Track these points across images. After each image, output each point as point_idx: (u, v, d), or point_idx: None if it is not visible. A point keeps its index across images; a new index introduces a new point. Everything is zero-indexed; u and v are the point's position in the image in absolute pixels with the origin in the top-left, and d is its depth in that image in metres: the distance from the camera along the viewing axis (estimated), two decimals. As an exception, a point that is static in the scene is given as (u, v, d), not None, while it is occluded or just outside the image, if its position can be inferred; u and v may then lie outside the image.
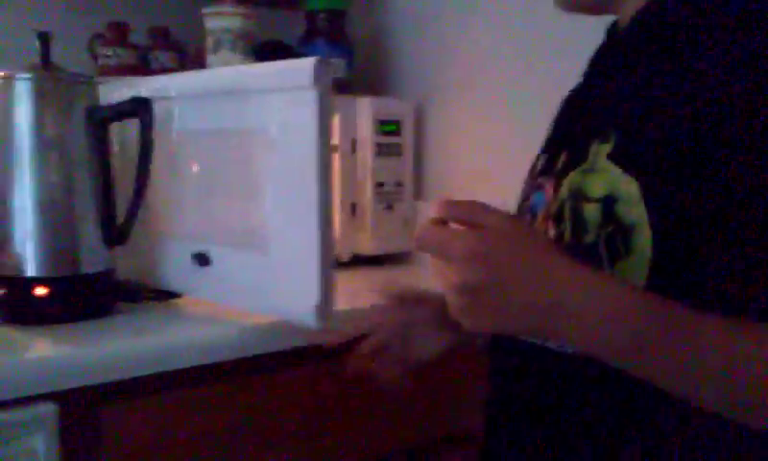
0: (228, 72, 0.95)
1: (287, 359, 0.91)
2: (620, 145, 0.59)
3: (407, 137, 1.38)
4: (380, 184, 1.36)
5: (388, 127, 1.35)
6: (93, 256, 0.92)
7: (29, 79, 0.89)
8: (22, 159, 0.88)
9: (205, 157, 0.95)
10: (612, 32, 0.74)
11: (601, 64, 0.72)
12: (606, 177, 0.59)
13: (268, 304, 0.87)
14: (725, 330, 0.51)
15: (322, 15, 1.38)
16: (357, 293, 1.06)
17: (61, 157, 0.90)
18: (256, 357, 0.89)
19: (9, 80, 0.89)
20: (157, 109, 0.92)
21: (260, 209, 0.87)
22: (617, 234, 0.57)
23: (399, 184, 1.38)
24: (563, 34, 1.11)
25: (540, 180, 0.70)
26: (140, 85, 1.00)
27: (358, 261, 1.32)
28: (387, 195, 1.36)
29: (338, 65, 1.38)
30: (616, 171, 0.58)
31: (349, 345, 0.87)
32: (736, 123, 0.53)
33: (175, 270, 0.98)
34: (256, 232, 0.87)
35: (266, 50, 1.38)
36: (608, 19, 0.73)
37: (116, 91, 0.97)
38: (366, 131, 1.32)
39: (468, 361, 0.88)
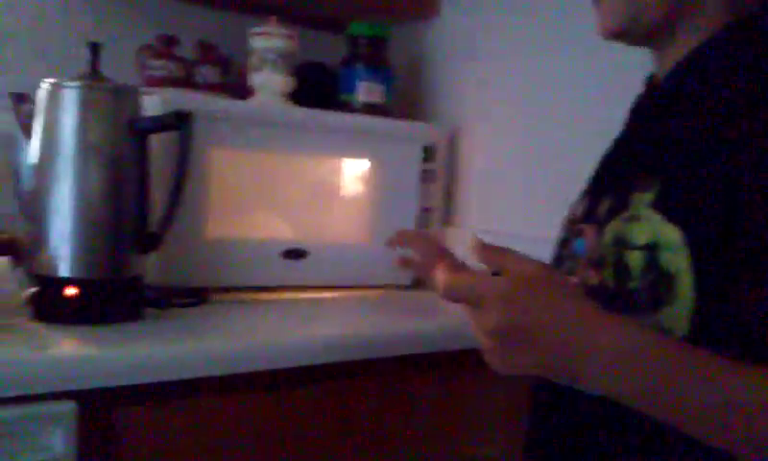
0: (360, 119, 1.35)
1: (304, 376, 0.93)
2: (662, 194, 0.61)
3: (439, 163, 1.39)
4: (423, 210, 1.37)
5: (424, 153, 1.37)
6: (126, 262, 0.95)
7: (75, 87, 0.93)
8: (64, 164, 0.92)
9: (316, 175, 1.27)
10: (651, 82, 0.75)
11: (642, 114, 0.74)
12: (648, 225, 0.60)
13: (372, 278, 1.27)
14: (746, 378, 0.51)
15: (363, 41, 1.41)
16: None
17: (102, 163, 0.93)
18: (275, 371, 0.90)
19: (56, 87, 0.93)
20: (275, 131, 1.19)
21: (367, 212, 1.29)
22: (660, 282, 0.59)
23: (428, 210, 1.38)
24: (597, 71, 1.12)
25: (580, 226, 0.71)
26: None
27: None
28: (416, 220, 1.37)
29: (378, 90, 1.40)
30: (658, 219, 0.60)
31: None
32: None
33: (268, 266, 1.19)
34: (361, 228, 1.28)
35: (308, 71, 1.42)
36: (644, 67, 0.74)
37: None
38: (406, 155, 1.34)
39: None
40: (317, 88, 1.42)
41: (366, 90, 1.39)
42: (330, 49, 1.53)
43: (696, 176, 0.59)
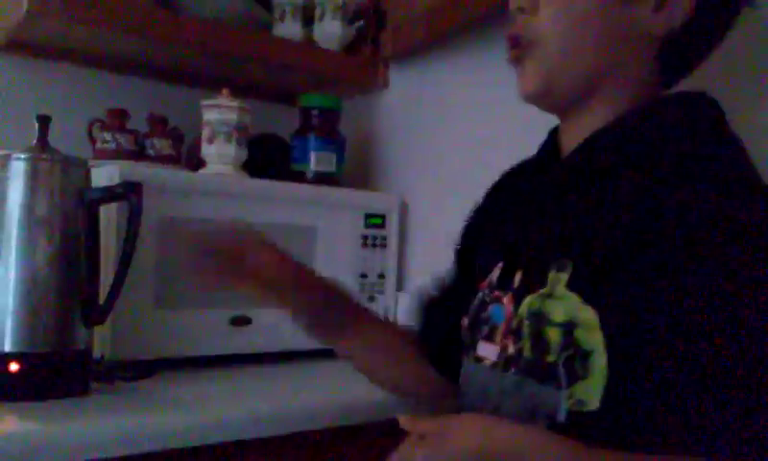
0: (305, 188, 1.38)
1: (255, 449, 0.91)
2: (577, 275, 0.64)
3: (392, 230, 1.42)
4: (364, 275, 1.38)
5: (374, 220, 1.39)
6: (73, 335, 0.93)
7: (24, 159, 0.93)
8: (10, 236, 0.91)
9: None
10: (552, 150, 0.78)
11: (553, 186, 0.75)
12: (565, 304, 0.63)
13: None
14: None
15: (315, 112, 1.44)
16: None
17: (50, 235, 0.92)
18: (226, 444, 0.89)
19: (5, 159, 0.93)
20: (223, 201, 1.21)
21: None
22: (576, 358, 0.62)
23: (382, 276, 1.40)
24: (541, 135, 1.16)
25: (498, 293, 0.74)
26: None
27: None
28: (370, 286, 1.39)
29: (330, 160, 1.43)
30: (575, 299, 0.63)
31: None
32: (673, 249, 0.58)
33: (216, 335, 1.20)
34: None
35: (261, 142, 1.44)
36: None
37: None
38: (352, 223, 1.36)
39: None
40: (270, 159, 1.44)
41: (318, 160, 1.42)
42: (283, 120, 1.56)
43: (608, 259, 0.62)
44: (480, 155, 1.31)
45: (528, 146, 1.22)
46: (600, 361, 0.60)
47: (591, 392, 0.61)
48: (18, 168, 0.92)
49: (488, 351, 0.72)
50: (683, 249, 0.58)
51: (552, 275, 0.66)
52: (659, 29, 0.68)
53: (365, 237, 1.38)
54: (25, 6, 1.16)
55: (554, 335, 0.64)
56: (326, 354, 1.30)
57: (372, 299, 1.39)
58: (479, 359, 0.73)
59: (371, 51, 1.54)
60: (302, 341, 1.27)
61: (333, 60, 1.51)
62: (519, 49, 0.72)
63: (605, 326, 0.60)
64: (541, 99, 0.74)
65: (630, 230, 0.61)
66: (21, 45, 1.34)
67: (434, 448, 0.62)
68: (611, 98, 0.71)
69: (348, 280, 1.36)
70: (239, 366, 1.20)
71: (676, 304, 0.57)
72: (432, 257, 1.41)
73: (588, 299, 0.62)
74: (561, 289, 0.64)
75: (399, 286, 1.45)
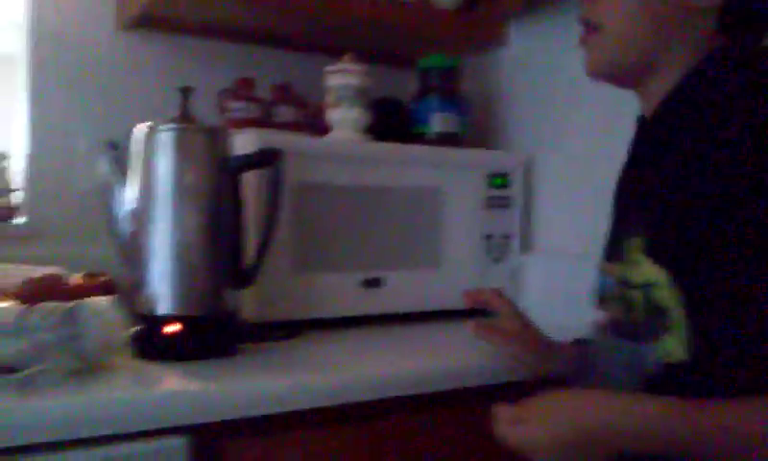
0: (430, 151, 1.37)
1: (399, 407, 0.93)
2: (650, 241, 0.69)
3: (516, 190, 1.39)
4: (488, 237, 1.37)
5: (497, 180, 1.37)
6: (222, 298, 0.97)
7: (170, 130, 0.96)
8: (162, 205, 0.95)
9: (391, 204, 1.26)
10: (642, 123, 0.80)
11: (634, 156, 0.81)
12: (641, 268, 0.69)
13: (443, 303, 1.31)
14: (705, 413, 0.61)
15: (435, 73, 1.42)
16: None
17: (198, 203, 0.96)
18: (373, 402, 0.90)
19: (152, 131, 0.97)
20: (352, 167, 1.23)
21: (436, 238, 1.31)
22: (657, 315, 0.68)
23: (507, 237, 1.38)
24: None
25: (605, 265, 0.81)
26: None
27: (464, 313, 1.33)
28: (495, 247, 1.37)
29: (452, 120, 1.41)
30: (647, 262, 0.69)
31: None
32: (743, 212, 0.61)
33: (349, 296, 1.22)
34: (431, 255, 1.31)
35: (382, 106, 1.44)
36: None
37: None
38: (476, 183, 1.35)
39: None
40: (391, 122, 1.44)
41: (439, 121, 1.40)
42: (403, 82, 1.55)
43: (676, 224, 0.66)
44: (608, 109, 1.26)
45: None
46: (678, 317, 0.65)
47: (675, 344, 0.66)
48: (165, 139, 0.96)
49: (598, 318, 0.80)
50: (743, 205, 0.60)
51: (630, 242, 0.72)
52: (707, 2, 0.71)
53: (489, 198, 1.37)
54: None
55: (636, 296, 0.70)
56: (452, 316, 1.31)
57: (497, 260, 1.37)
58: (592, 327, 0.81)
59: (489, 7, 1.50)
60: (431, 302, 1.30)
61: (450, 19, 1.48)
62: (586, 32, 0.78)
63: (679, 284, 0.65)
64: (605, 79, 0.80)
65: (698, 187, 0.64)
66: (153, 20, 1.38)
67: (525, 435, 0.70)
68: (676, 64, 0.73)
69: (473, 242, 1.35)
70: (371, 326, 1.21)
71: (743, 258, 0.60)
72: (559, 216, 1.38)
73: (659, 262, 0.67)
74: (636, 255, 0.70)
75: (525, 247, 1.42)
